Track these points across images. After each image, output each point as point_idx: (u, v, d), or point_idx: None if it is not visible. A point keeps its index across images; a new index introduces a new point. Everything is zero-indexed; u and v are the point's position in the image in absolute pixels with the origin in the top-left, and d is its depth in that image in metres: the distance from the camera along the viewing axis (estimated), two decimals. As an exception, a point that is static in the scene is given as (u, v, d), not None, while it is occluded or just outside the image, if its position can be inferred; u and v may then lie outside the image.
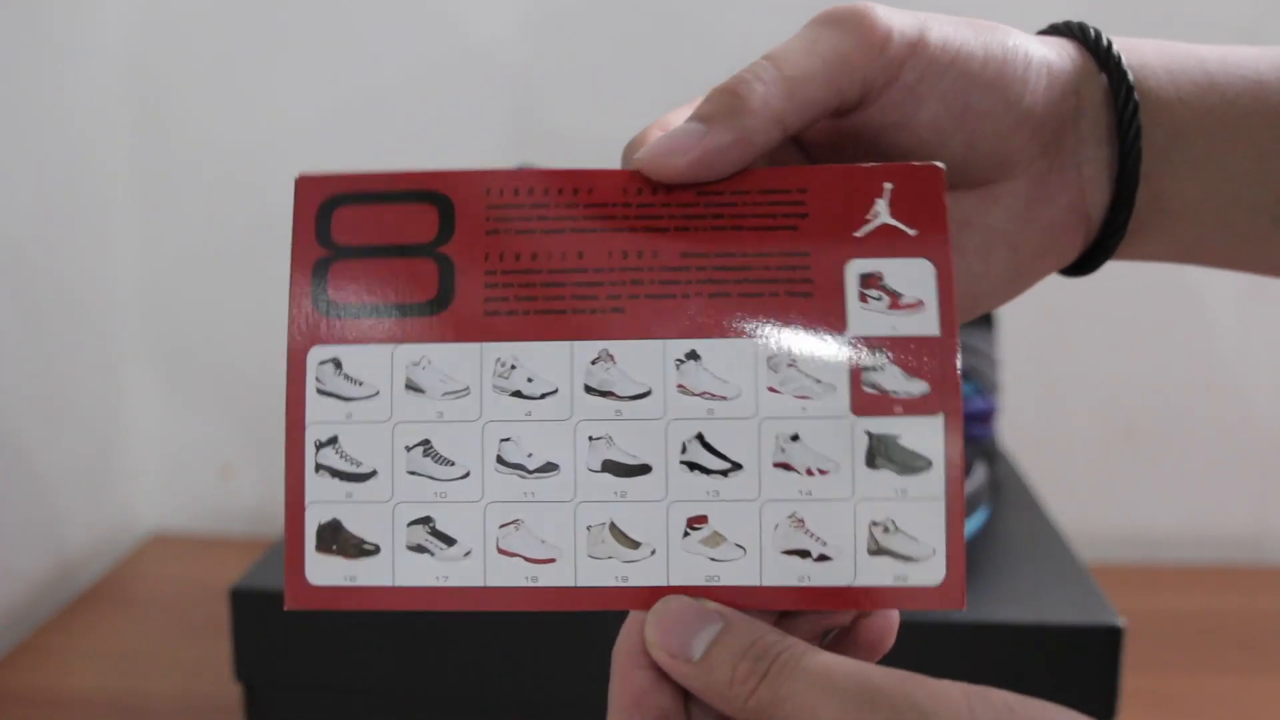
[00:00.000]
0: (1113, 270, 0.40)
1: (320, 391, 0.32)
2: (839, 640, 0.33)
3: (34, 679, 0.71)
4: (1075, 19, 0.36)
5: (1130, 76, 0.34)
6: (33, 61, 0.80)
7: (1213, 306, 0.91)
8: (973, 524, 0.62)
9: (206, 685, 0.68)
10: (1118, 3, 0.79)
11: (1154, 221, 0.36)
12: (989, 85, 0.33)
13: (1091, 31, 0.35)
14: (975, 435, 0.75)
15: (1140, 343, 0.92)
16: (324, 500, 0.32)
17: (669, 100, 0.34)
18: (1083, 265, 0.37)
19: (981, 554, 0.63)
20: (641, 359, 0.31)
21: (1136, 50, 0.35)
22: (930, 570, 0.31)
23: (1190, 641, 0.76)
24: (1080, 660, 0.55)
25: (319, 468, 0.32)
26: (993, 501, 0.70)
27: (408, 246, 0.32)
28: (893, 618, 0.33)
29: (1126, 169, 0.34)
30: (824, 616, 0.32)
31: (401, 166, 0.35)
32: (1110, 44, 0.35)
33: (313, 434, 0.32)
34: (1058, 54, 0.34)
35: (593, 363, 0.31)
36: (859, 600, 0.31)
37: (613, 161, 0.34)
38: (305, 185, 0.34)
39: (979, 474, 0.66)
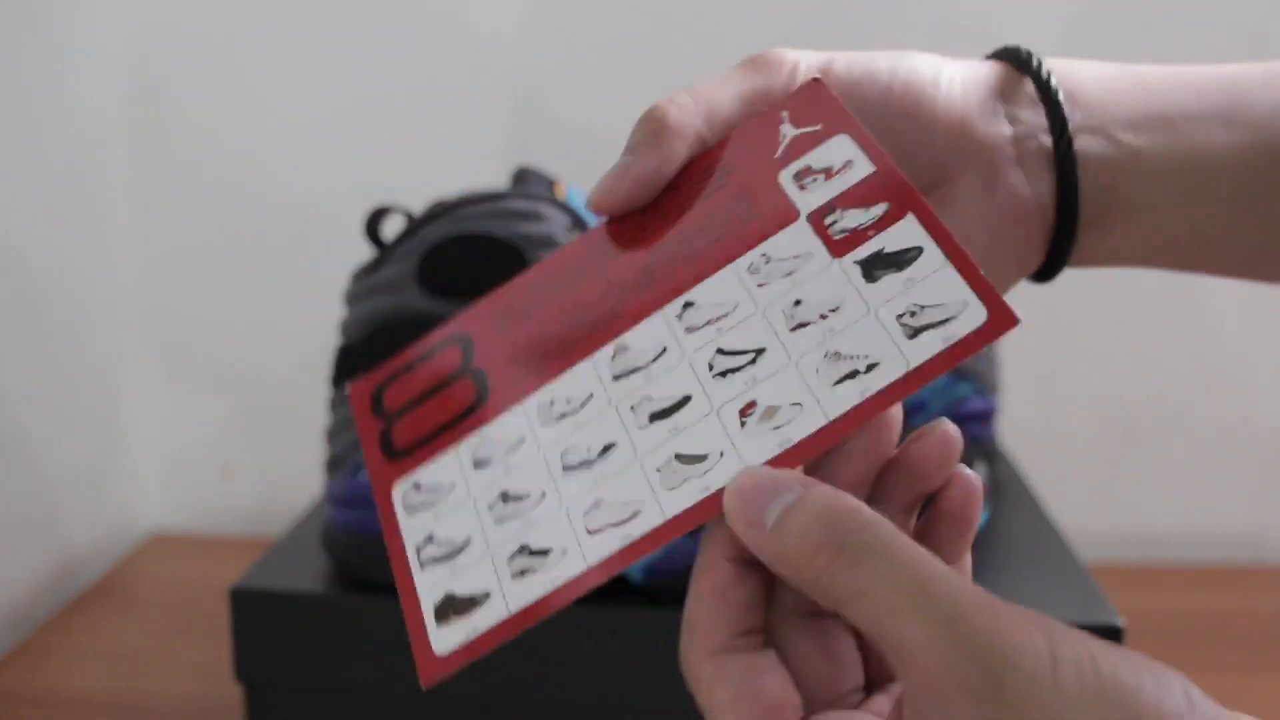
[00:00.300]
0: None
1: (409, 511, 0.35)
2: (927, 525, 0.32)
3: (34, 679, 0.71)
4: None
5: (1051, 77, 0.36)
6: (33, 61, 0.80)
7: (1213, 306, 0.91)
8: (973, 524, 0.62)
9: (206, 685, 0.68)
10: (1118, 2, 0.79)
11: (1109, 213, 0.37)
12: (899, 93, 0.36)
13: (1017, 47, 0.38)
14: (975, 435, 0.75)
15: (1140, 342, 0.92)
16: (433, 584, 0.34)
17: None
18: (1052, 263, 0.38)
19: (981, 554, 0.63)
20: (649, 334, 0.34)
21: (1069, 65, 0.37)
22: (971, 316, 0.31)
23: (1190, 641, 0.76)
24: (1080, 660, 0.55)
25: (423, 564, 0.34)
26: (993, 501, 0.70)
27: (444, 379, 0.37)
28: (973, 484, 0.32)
29: (1060, 143, 0.36)
30: (915, 477, 0.32)
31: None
32: (1030, 53, 0.37)
33: (411, 542, 0.35)
34: (976, 68, 0.37)
35: (613, 359, 0.34)
36: (923, 376, 0.31)
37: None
38: (356, 390, 0.39)
39: (979, 474, 0.66)
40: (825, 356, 0.32)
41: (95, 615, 0.79)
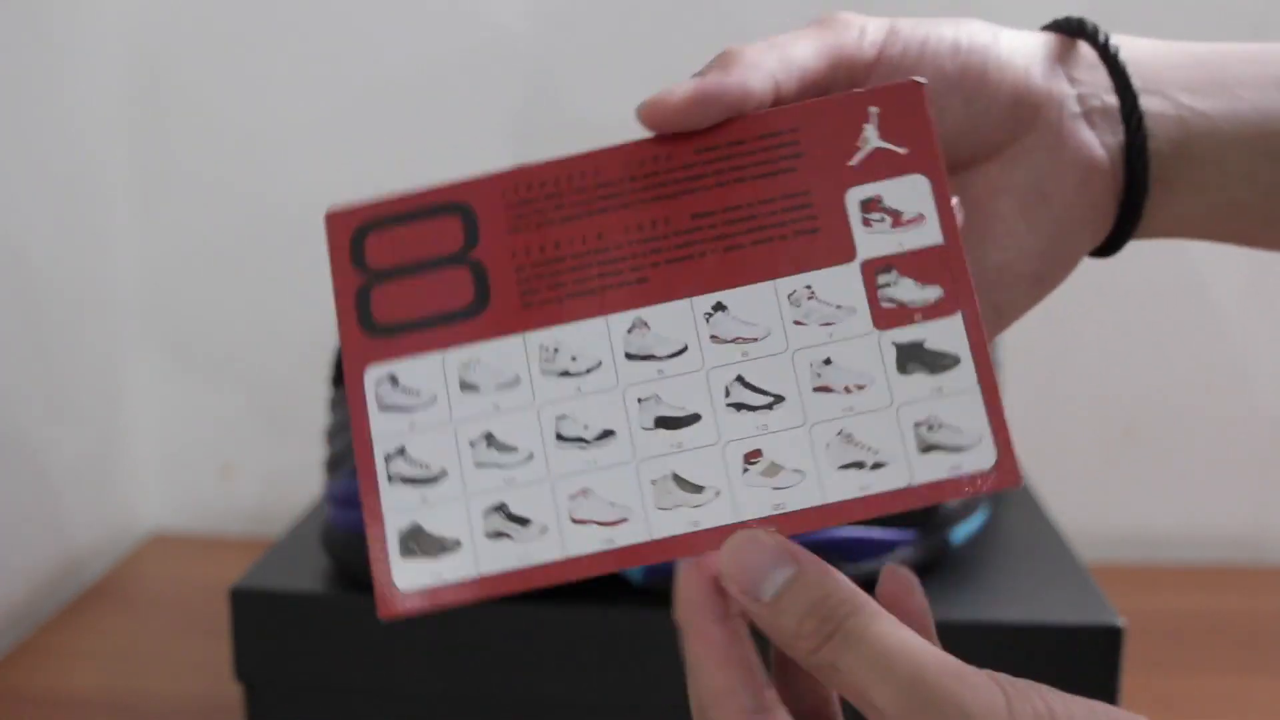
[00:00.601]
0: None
1: (382, 408, 0.33)
2: None
3: (34, 678, 0.71)
4: (1077, 11, 0.38)
5: (1109, 38, 0.36)
6: (33, 61, 0.80)
7: (1213, 306, 0.91)
8: (973, 524, 0.63)
9: (206, 685, 0.68)
10: None
11: (1178, 173, 0.37)
12: (965, 49, 0.35)
13: (1068, 17, 0.38)
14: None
15: (1140, 342, 0.92)
16: (401, 508, 0.33)
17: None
18: (1120, 230, 0.38)
19: (981, 554, 0.63)
20: (673, 320, 0.33)
21: (1120, 37, 0.37)
22: (981, 455, 0.32)
23: (1190, 641, 0.76)
24: (1080, 660, 0.55)
25: (391, 478, 0.33)
26: (993, 501, 0.70)
27: (440, 258, 0.34)
28: (902, 579, 0.34)
29: (1124, 97, 0.36)
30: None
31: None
32: (1083, 19, 0.37)
33: (381, 448, 0.33)
34: (1029, 34, 0.37)
35: (629, 332, 0.33)
36: (921, 497, 0.32)
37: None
38: (334, 220, 0.35)
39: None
40: (838, 434, 0.32)
41: (95, 615, 0.79)
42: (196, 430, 0.96)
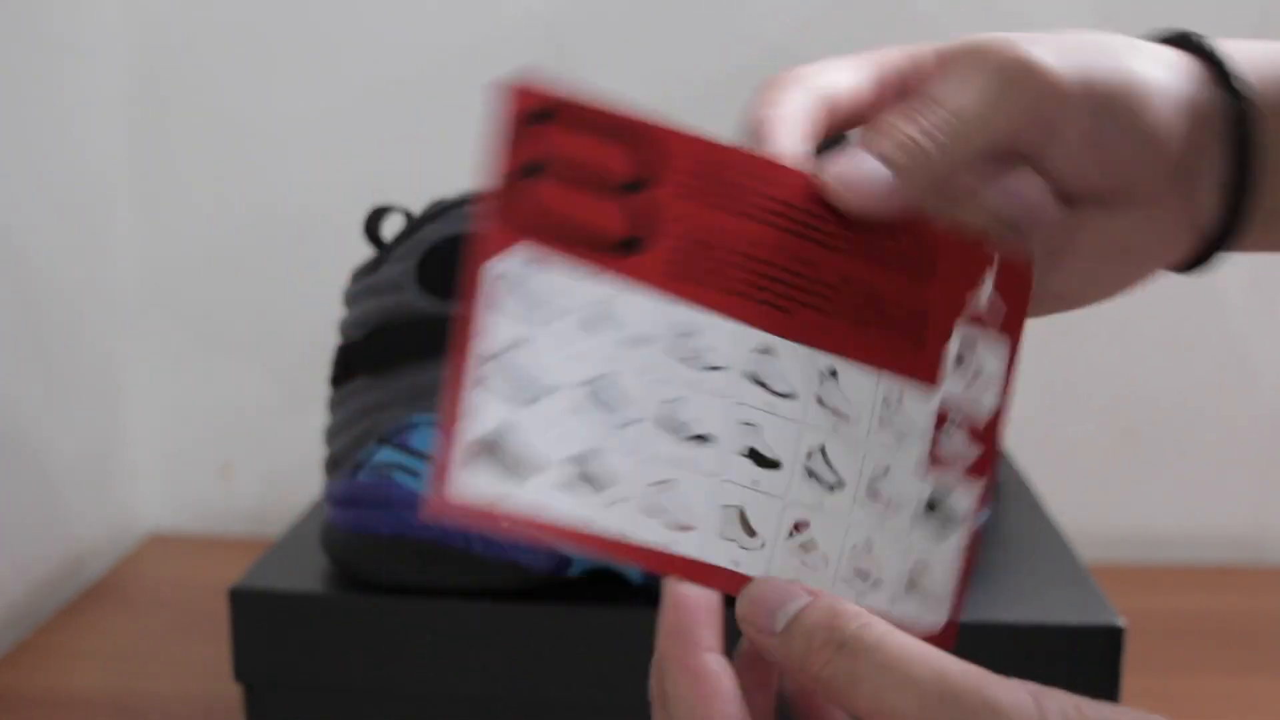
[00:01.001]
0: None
1: (498, 302, 0.30)
2: None
3: (34, 678, 0.71)
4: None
5: (1248, 93, 0.35)
6: (33, 61, 0.80)
7: (1213, 307, 0.91)
8: (973, 524, 0.62)
9: (206, 685, 0.68)
10: None
11: (1262, 221, 0.36)
12: (1121, 111, 0.34)
13: (1202, 43, 0.36)
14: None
15: (1141, 343, 0.92)
16: (483, 415, 0.30)
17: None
18: (1187, 269, 0.38)
19: (982, 554, 0.63)
20: (795, 362, 0.33)
21: (1231, 56, 0.36)
22: (938, 613, 0.35)
23: (1190, 641, 0.76)
24: (1080, 660, 0.55)
25: (485, 378, 0.30)
26: (993, 501, 0.70)
27: (608, 181, 0.31)
28: None
29: (1241, 181, 0.35)
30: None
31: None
32: (1223, 60, 0.35)
33: (487, 342, 0.30)
34: (1175, 76, 0.35)
35: (757, 351, 0.32)
36: None
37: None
38: (523, 86, 0.32)
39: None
40: (864, 541, 0.34)
41: (95, 615, 0.79)
42: (196, 430, 0.96)
